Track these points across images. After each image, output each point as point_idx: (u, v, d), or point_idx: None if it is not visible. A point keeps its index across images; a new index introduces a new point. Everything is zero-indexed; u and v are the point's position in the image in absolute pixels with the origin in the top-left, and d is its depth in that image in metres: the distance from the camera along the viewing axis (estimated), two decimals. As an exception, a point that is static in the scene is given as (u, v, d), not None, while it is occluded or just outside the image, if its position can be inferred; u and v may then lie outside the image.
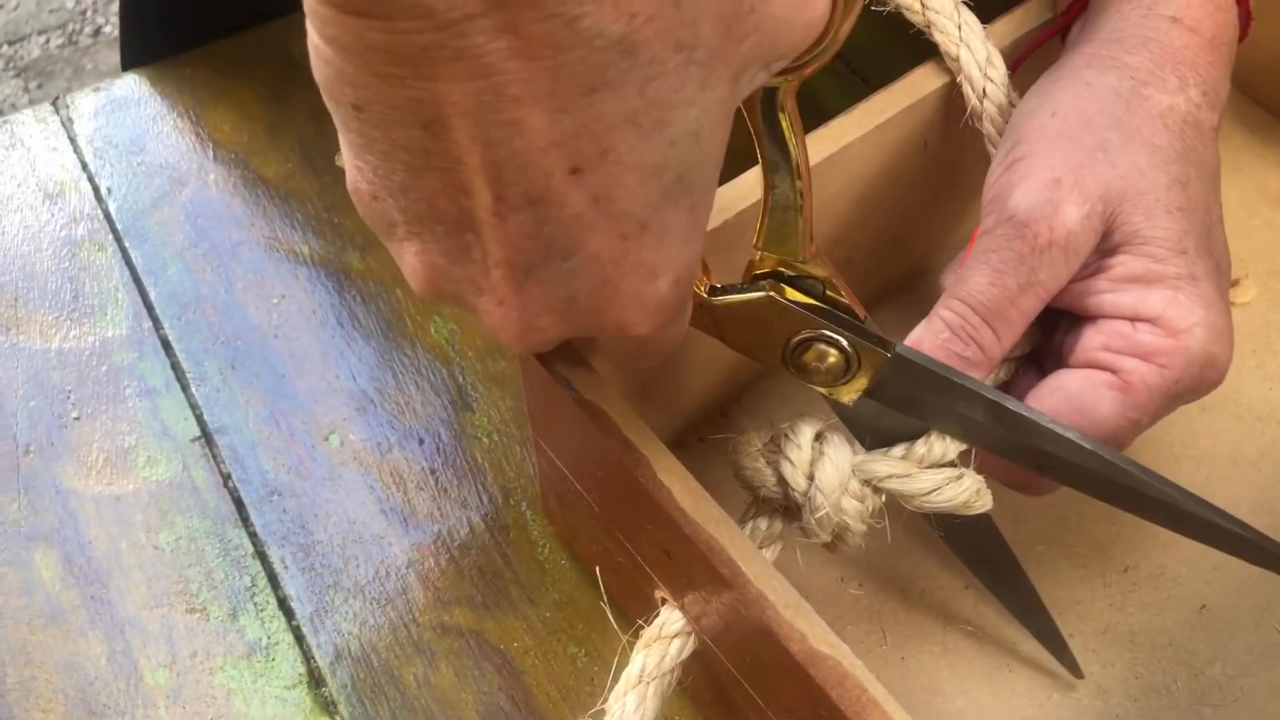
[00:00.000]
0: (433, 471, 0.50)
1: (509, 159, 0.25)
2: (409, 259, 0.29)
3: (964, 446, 0.37)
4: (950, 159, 0.48)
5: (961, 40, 0.44)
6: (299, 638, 0.46)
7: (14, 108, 1.62)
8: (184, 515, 0.49)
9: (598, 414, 0.36)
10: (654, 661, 0.36)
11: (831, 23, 0.29)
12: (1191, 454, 0.49)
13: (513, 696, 0.44)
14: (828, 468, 0.36)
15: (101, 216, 0.58)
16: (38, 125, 0.62)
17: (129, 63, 0.67)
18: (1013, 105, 0.43)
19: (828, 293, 0.35)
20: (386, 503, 0.49)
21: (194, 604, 0.47)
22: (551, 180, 0.25)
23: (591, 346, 0.38)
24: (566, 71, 0.24)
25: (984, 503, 0.37)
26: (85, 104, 0.63)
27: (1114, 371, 0.37)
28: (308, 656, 0.46)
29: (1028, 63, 0.46)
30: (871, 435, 0.38)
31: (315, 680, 0.45)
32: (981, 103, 0.43)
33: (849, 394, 0.37)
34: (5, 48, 1.71)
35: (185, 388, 0.53)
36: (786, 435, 0.36)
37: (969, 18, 0.44)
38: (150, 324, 0.55)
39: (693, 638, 0.37)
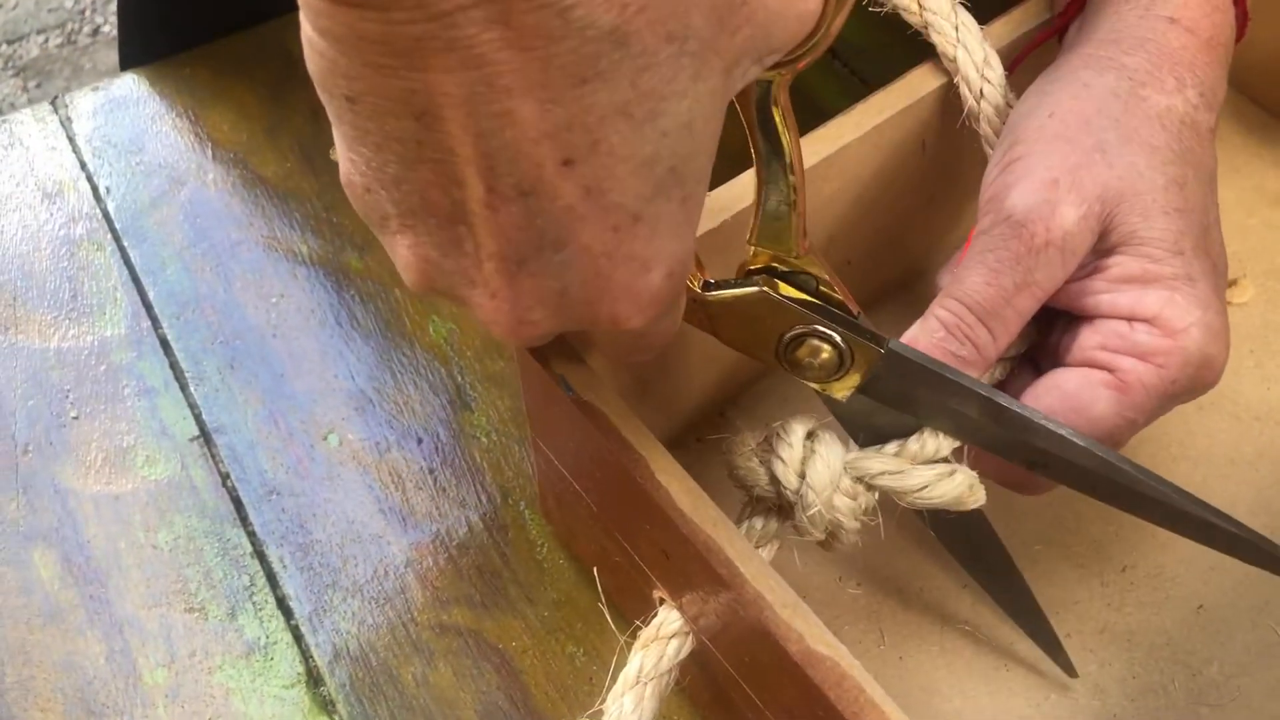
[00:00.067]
0: (431, 471, 0.50)
1: (501, 150, 0.25)
2: (402, 251, 0.29)
3: (957, 443, 0.37)
4: (948, 160, 0.48)
5: (959, 41, 0.44)
6: (297, 637, 0.46)
7: (13, 107, 1.62)
8: (182, 515, 0.49)
9: (596, 414, 0.36)
10: (651, 662, 0.36)
11: (824, 16, 0.29)
12: (1189, 454, 0.49)
13: (511, 696, 0.44)
14: (819, 466, 0.36)
15: (100, 216, 0.58)
16: (36, 125, 0.62)
17: (128, 62, 0.67)
18: (1010, 106, 0.43)
19: (821, 289, 0.36)
20: (385, 502, 0.49)
21: (192, 603, 0.47)
22: (543, 172, 0.26)
23: (587, 343, 0.38)
24: (558, 62, 0.24)
25: (977, 498, 0.37)
26: (84, 103, 0.63)
27: (1111, 371, 0.37)
28: (306, 656, 0.46)
29: (1025, 63, 0.46)
30: (865, 432, 0.38)
31: (314, 679, 0.45)
32: (978, 103, 0.43)
33: (842, 390, 0.37)
34: (4, 47, 1.70)
35: (184, 387, 0.53)
36: (778, 434, 0.37)
37: (966, 18, 0.44)
38: (149, 323, 0.55)
39: (690, 638, 0.37)
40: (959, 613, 0.46)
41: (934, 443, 0.37)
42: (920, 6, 0.44)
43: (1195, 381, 0.38)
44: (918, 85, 0.45)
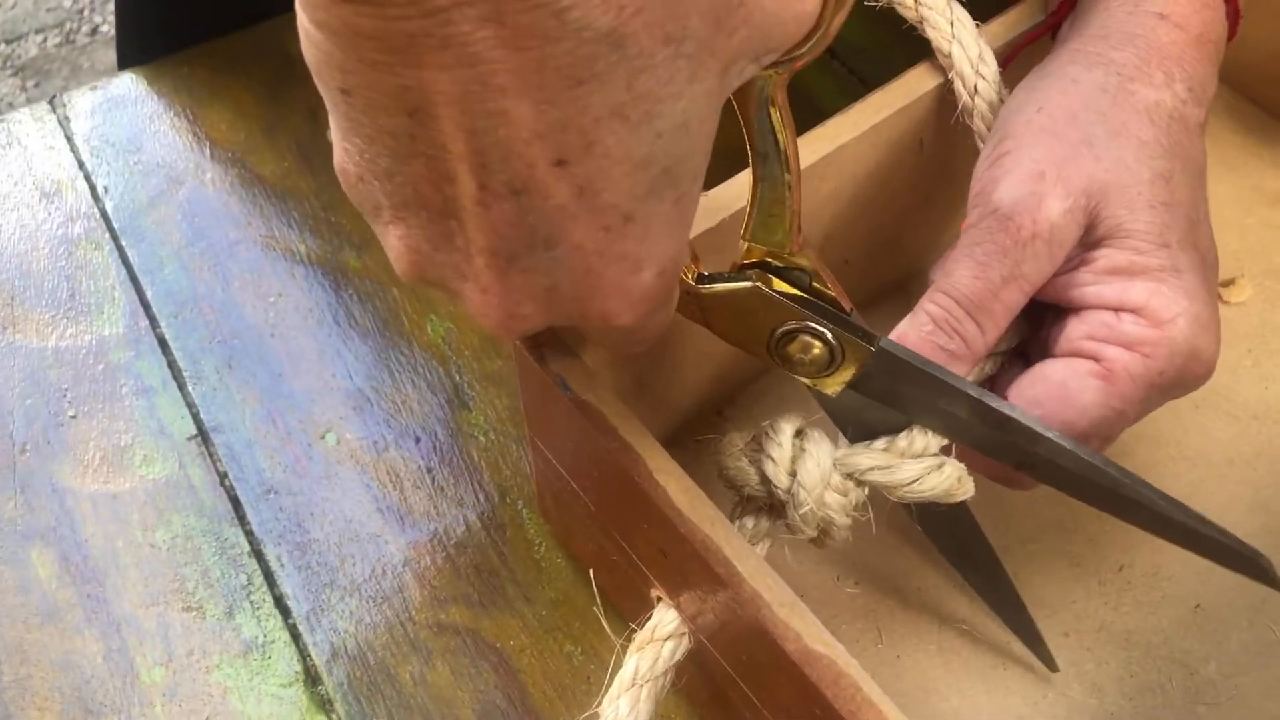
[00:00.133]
0: (429, 470, 0.50)
1: (493, 148, 0.25)
2: (393, 242, 0.29)
3: (945, 441, 0.37)
4: (945, 159, 0.48)
5: (954, 37, 0.44)
6: (295, 636, 0.46)
7: (11, 106, 1.62)
8: (180, 514, 0.49)
9: (593, 413, 0.36)
10: (647, 664, 0.36)
11: (823, 17, 0.29)
12: (1186, 453, 0.49)
13: (509, 695, 0.44)
14: (809, 464, 0.36)
15: (98, 215, 0.58)
16: (35, 124, 0.62)
17: (126, 61, 0.67)
18: (1003, 103, 0.43)
19: (814, 285, 0.36)
20: (383, 501, 0.49)
21: (190, 602, 0.47)
22: (535, 171, 0.26)
23: (584, 339, 0.38)
24: (553, 63, 0.24)
25: (966, 490, 0.37)
26: (82, 103, 0.63)
27: (1097, 360, 0.37)
28: (304, 655, 0.46)
29: (1017, 60, 0.46)
30: (855, 428, 0.38)
31: (311, 678, 0.45)
32: (973, 100, 0.43)
33: (833, 386, 0.37)
34: (2, 46, 1.70)
35: (182, 386, 0.53)
36: (767, 434, 0.37)
37: (961, 14, 0.44)
38: (147, 323, 0.55)
39: (686, 638, 0.37)
40: (956, 612, 0.46)
41: (923, 440, 0.37)
42: (916, 1, 0.44)
43: (1184, 374, 0.38)
44: (915, 85, 0.45)
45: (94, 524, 0.49)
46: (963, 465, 0.37)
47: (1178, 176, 0.38)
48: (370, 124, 0.26)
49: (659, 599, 0.38)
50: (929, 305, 0.38)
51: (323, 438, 0.51)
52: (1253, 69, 0.58)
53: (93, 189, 0.59)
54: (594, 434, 0.36)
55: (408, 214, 0.28)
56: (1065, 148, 0.38)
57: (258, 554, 0.48)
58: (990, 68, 0.44)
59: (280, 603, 0.47)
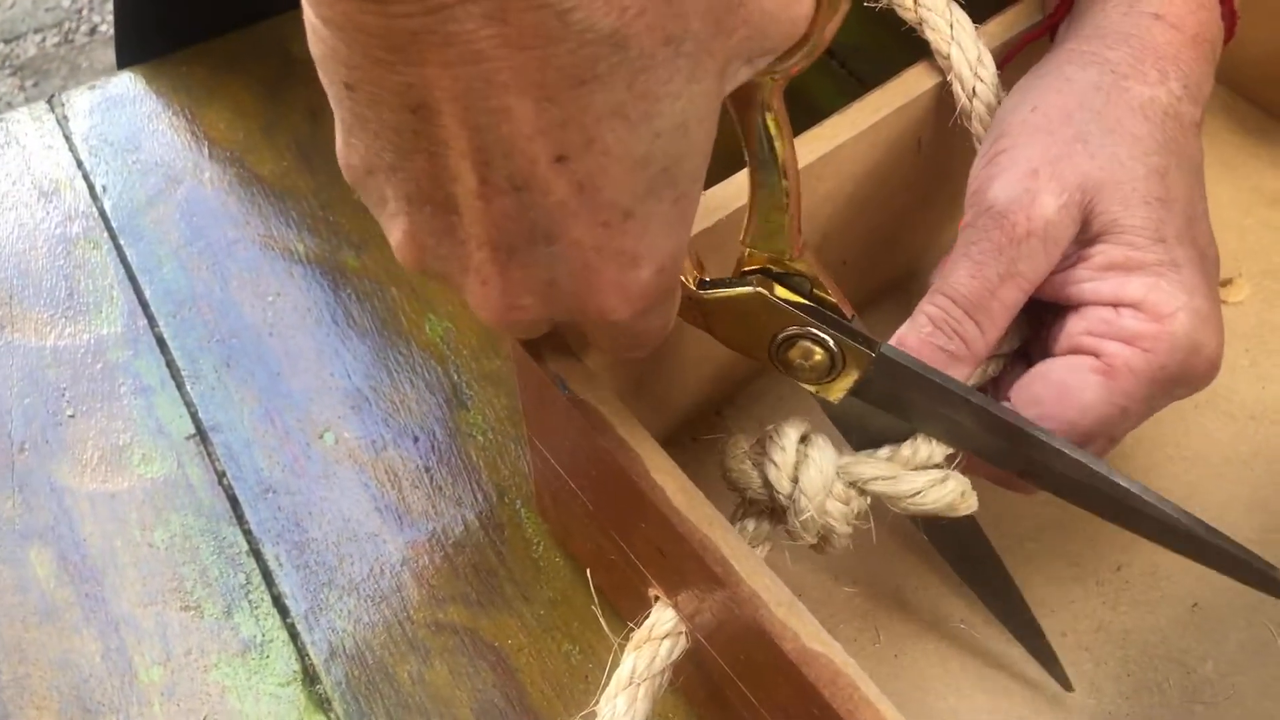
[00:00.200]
0: (427, 469, 0.50)
1: (495, 144, 0.25)
2: (396, 234, 0.29)
3: (950, 450, 0.37)
4: (943, 158, 0.48)
5: (953, 38, 0.44)
6: (293, 635, 0.46)
7: (9, 106, 1.62)
8: (179, 513, 0.49)
9: (592, 413, 0.36)
10: (644, 663, 0.36)
11: (817, 21, 0.29)
12: (1185, 454, 0.49)
13: (507, 694, 0.44)
14: (812, 471, 0.36)
15: (96, 214, 0.58)
16: (33, 123, 0.62)
17: (124, 61, 0.67)
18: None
19: (815, 291, 0.36)
20: (381, 500, 0.49)
21: (188, 601, 0.47)
22: (536, 167, 0.26)
23: (584, 341, 0.38)
24: (556, 63, 0.24)
25: (969, 505, 0.37)
26: (81, 102, 0.63)
27: (1097, 355, 0.37)
28: (302, 654, 0.46)
29: (1015, 60, 0.46)
30: (859, 435, 0.38)
31: (310, 678, 0.45)
32: (971, 102, 0.44)
33: (835, 392, 0.37)
34: (1, 46, 1.70)
35: (180, 385, 0.53)
36: (772, 437, 0.37)
37: (960, 15, 0.44)
38: (145, 322, 0.55)
39: (684, 638, 0.37)
40: (954, 612, 0.46)
41: (927, 449, 0.37)
42: (915, 2, 0.44)
43: (1185, 369, 0.37)
44: (913, 84, 0.45)
45: (92, 523, 0.49)
46: (966, 480, 0.37)
47: (1173, 172, 0.38)
48: (374, 119, 0.26)
49: (657, 598, 0.38)
50: (928, 307, 0.38)
51: (321, 437, 0.51)
52: (1251, 69, 0.58)
53: (91, 188, 0.59)
54: (592, 433, 0.36)
55: (410, 207, 0.28)
56: (1059, 145, 0.38)
57: (256, 553, 0.48)
58: (989, 70, 0.44)
59: (278, 602, 0.47)
